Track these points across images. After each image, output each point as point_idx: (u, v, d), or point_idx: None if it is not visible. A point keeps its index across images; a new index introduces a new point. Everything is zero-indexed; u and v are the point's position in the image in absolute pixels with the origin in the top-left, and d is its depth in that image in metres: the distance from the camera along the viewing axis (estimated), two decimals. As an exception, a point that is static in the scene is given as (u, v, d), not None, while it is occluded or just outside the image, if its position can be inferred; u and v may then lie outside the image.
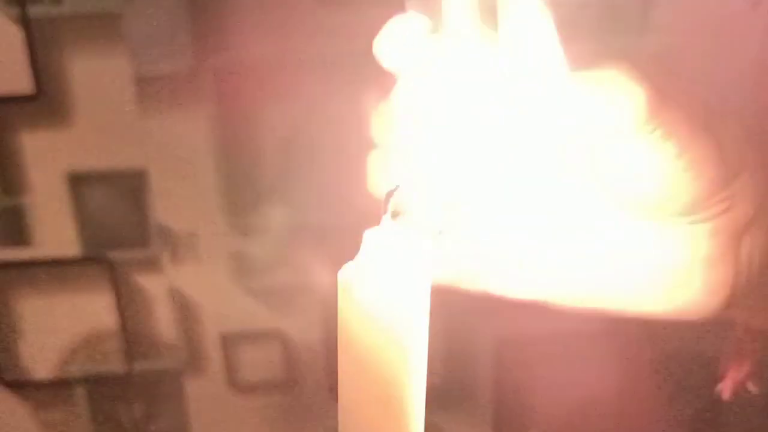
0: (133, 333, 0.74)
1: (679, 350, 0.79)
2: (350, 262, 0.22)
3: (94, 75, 0.66)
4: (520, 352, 0.78)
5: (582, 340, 0.78)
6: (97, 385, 0.76)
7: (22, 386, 0.76)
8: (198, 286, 0.73)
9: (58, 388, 0.76)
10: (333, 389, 0.55)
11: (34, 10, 0.64)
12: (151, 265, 0.72)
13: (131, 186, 0.70)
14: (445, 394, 0.78)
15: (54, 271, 0.72)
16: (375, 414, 0.19)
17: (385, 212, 0.22)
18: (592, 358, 0.79)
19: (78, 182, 0.69)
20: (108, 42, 0.65)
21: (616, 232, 0.39)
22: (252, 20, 0.65)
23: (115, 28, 0.65)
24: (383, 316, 0.18)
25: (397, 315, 0.18)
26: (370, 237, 0.20)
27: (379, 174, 0.37)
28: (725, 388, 0.50)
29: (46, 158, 0.68)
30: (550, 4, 0.33)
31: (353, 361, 0.18)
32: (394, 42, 0.34)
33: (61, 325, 0.74)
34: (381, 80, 0.49)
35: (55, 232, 0.71)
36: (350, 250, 0.64)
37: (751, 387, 0.49)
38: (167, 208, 0.70)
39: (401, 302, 0.18)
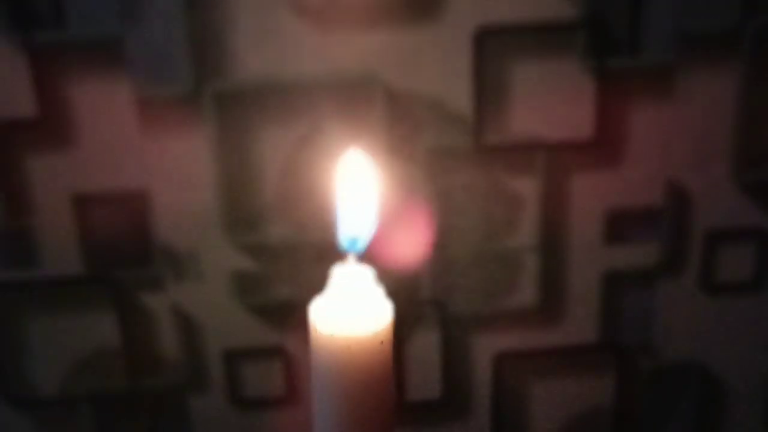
0: (136, 350, 0.75)
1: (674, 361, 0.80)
2: (319, 296, 0.24)
3: (97, 98, 0.68)
4: (518, 366, 0.79)
5: (579, 354, 0.79)
6: (102, 402, 0.77)
7: (28, 404, 0.77)
8: (200, 304, 0.74)
9: (63, 405, 0.77)
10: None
11: (38, 35, 0.66)
12: (154, 283, 0.73)
13: (134, 206, 0.71)
14: (443, 408, 0.79)
15: (58, 290, 0.73)
16: (350, 428, 0.21)
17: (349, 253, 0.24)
18: (590, 371, 0.80)
19: (82, 203, 0.70)
20: (110, 66, 0.67)
21: None
22: (250, 44, 0.66)
23: (117, 53, 0.66)
24: (350, 344, 0.19)
25: (363, 342, 0.19)
26: (337, 273, 0.22)
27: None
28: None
29: (50, 180, 0.70)
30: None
31: (327, 387, 0.19)
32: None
33: (65, 343, 0.75)
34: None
35: (59, 252, 0.72)
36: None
37: None
38: (169, 227, 0.71)
39: (366, 331, 0.19)
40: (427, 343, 0.76)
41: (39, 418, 0.77)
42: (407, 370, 0.77)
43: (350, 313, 0.21)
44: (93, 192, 0.70)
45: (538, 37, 0.67)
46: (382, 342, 0.21)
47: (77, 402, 0.77)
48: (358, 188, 0.25)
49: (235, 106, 0.68)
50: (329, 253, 0.70)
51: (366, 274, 0.22)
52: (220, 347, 0.75)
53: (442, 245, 0.72)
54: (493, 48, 0.68)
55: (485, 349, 0.77)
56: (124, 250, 0.72)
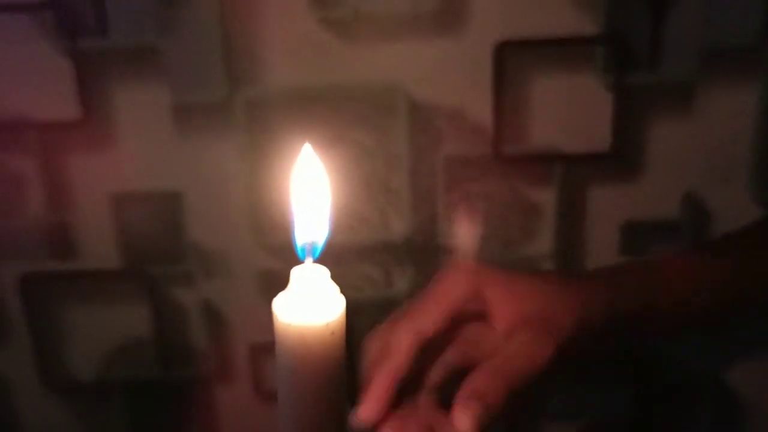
0: (167, 342, 0.79)
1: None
2: (281, 293, 0.27)
3: (136, 103, 0.71)
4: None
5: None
6: (134, 390, 0.81)
7: (66, 390, 0.81)
8: (228, 300, 0.78)
9: (98, 391, 0.81)
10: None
11: (83, 43, 0.70)
12: (185, 279, 0.77)
13: (168, 206, 0.75)
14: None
15: (96, 282, 0.78)
16: (305, 408, 0.24)
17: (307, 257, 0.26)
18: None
19: (120, 202, 0.74)
20: (149, 73, 0.70)
21: None
22: (280, 55, 0.69)
23: (155, 61, 0.70)
24: (303, 333, 0.22)
25: (315, 331, 0.22)
26: (296, 273, 0.25)
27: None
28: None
29: (90, 179, 0.74)
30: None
31: (286, 370, 0.22)
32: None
33: (101, 333, 0.79)
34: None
35: (97, 247, 0.76)
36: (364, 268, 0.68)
37: None
38: (201, 226, 0.75)
39: (318, 321, 0.22)
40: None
41: (76, 403, 0.82)
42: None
43: (307, 306, 0.24)
44: (130, 191, 0.74)
45: (558, 52, 0.69)
46: (332, 332, 0.24)
47: (112, 389, 0.81)
48: (312, 193, 0.28)
49: (265, 113, 0.71)
50: (349, 254, 0.73)
51: (323, 273, 0.25)
52: (246, 341, 0.79)
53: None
54: (514, 61, 0.70)
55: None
56: (158, 247, 0.76)
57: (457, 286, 0.52)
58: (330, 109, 0.71)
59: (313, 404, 0.23)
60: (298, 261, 0.73)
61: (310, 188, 0.28)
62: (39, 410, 0.81)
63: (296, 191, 0.28)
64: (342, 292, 0.35)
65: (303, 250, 0.27)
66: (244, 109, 0.71)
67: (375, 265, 0.74)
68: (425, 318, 0.51)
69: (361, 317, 0.58)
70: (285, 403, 0.25)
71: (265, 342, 0.79)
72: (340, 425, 0.26)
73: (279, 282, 0.75)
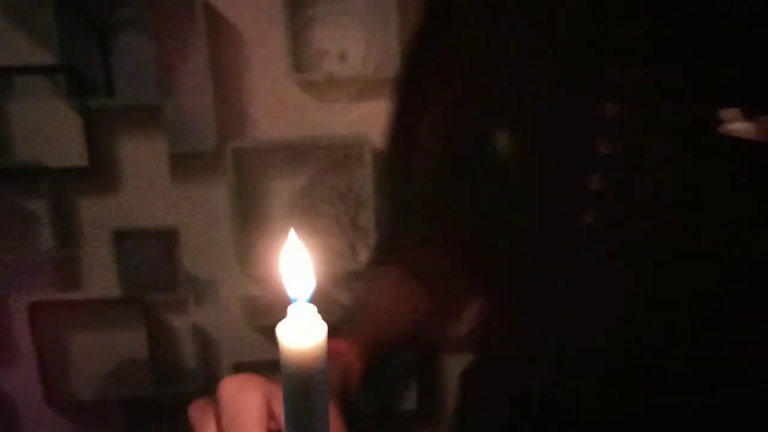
0: (161, 362, 0.89)
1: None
2: (282, 323, 0.36)
3: (138, 153, 0.83)
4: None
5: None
6: (131, 406, 0.91)
7: (68, 407, 0.90)
8: (216, 324, 0.88)
9: (98, 408, 0.91)
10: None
11: (92, 102, 0.81)
12: (178, 306, 0.88)
13: (164, 241, 0.85)
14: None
15: (98, 310, 0.88)
16: (295, 410, 0.34)
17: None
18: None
19: (121, 238, 0.85)
20: (149, 127, 0.82)
21: None
22: (264, 111, 0.81)
23: (155, 117, 0.81)
24: (300, 353, 0.32)
25: (307, 351, 0.32)
26: (292, 310, 0.35)
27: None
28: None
29: (95, 218, 0.85)
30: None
31: (289, 378, 0.32)
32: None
33: (102, 355, 0.89)
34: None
35: (100, 278, 0.86)
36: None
37: None
38: (193, 259, 0.86)
39: (308, 344, 0.32)
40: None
41: (77, 419, 0.91)
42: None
43: (301, 332, 0.33)
44: (131, 229, 0.85)
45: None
46: (320, 350, 0.33)
47: (110, 405, 0.91)
48: (298, 265, 0.36)
49: (251, 160, 0.83)
50: (324, 283, 0.85)
51: (312, 310, 0.34)
52: (232, 361, 0.89)
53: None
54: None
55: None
56: (155, 278, 0.87)
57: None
58: (307, 158, 0.83)
59: (307, 409, 0.32)
60: (279, 289, 0.84)
61: (298, 265, 0.36)
62: (42, 426, 0.90)
63: (286, 267, 0.36)
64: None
65: (296, 299, 0.36)
66: (232, 157, 0.82)
67: (345, 291, 0.85)
68: None
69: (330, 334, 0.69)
70: (287, 408, 0.34)
71: (249, 362, 0.89)
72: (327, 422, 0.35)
73: (261, 308, 0.86)
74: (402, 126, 0.60)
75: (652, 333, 0.49)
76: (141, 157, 0.83)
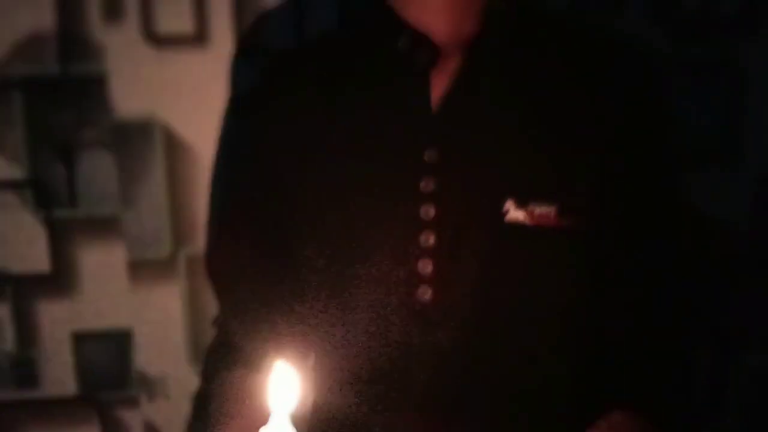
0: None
1: None
2: (263, 428, 0.45)
3: (98, 260, 0.90)
4: None
5: None
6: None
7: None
8: (167, 419, 0.94)
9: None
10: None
11: (56, 212, 0.88)
12: (131, 402, 0.93)
13: (119, 342, 0.91)
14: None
15: (55, 408, 0.92)
16: None
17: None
18: None
19: (79, 339, 0.91)
20: (109, 236, 0.89)
21: None
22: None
23: (115, 227, 0.89)
24: None
25: None
26: (275, 414, 0.45)
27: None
28: None
29: (55, 320, 0.91)
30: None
31: None
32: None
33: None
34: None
35: (58, 377, 0.92)
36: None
37: None
38: (146, 358, 0.92)
39: None
40: None
41: None
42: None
43: None
44: (89, 330, 0.91)
45: None
46: None
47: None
48: (282, 392, 0.46)
49: (202, 266, 0.90)
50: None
51: (286, 423, 0.45)
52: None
53: None
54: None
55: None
56: (110, 376, 0.92)
57: None
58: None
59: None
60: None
61: (284, 391, 0.47)
62: None
63: (273, 392, 0.47)
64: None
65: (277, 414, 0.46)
66: (185, 263, 0.90)
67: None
68: None
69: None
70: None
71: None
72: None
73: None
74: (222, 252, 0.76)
75: (461, 387, 0.67)
76: (100, 263, 0.90)
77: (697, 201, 0.93)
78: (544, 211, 0.65)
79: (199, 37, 0.86)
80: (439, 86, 0.66)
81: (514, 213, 0.64)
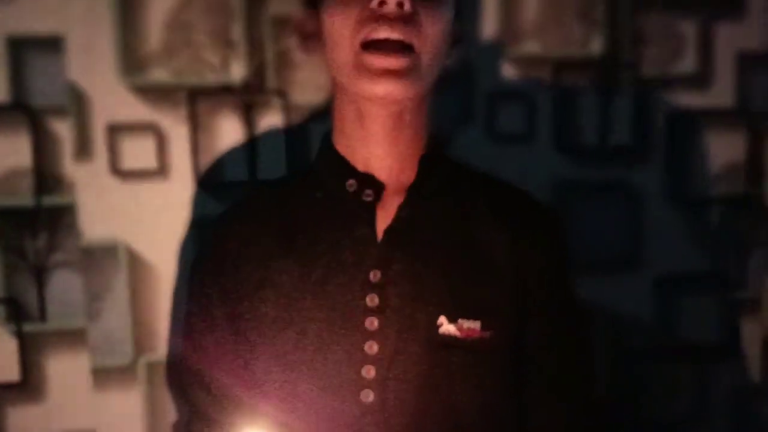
0: None
1: None
2: None
3: (64, 368, 0.98)
4: None
5: None
6: None
7: None
8: None
9: None
10: None
11: (27, 326, 0.97)
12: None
13: (84, 443, 0.99)
14: None
15: None
16: None
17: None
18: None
19: (45, 441, 0.99)
20: (76, 346, 0.98)
21: None
22: (175, 323, 0.99)
23: (81, 338, 0.98)
24: None
25: None
26: None
27: None
28: None
29: (24, 424, 0.98)
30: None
31: None
32: None
33: None
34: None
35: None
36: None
37: None
38: (108, 456, 1.00)
39: None
40: None
41: None
42: None
43: None
44: (55, 432, 0.99)
45: None
46: None
47: None
48: None
49: (161, 374, 0.99)
50: None
51: None
52: None
53: None
54: None
55: None
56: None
57: None
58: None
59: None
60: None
61: None
62: None
63: None
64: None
65: None
66: (145, 370, 0.99)
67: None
68: None
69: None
70: None
71: None
72: None
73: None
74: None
75: None
76: (66, 371, 0.99)
77: (606, 300, 1.07)
78: (471, 325, 0.79)
79: (160, 171, 0.97)
80: (382, 219, 0.81)
81: (447, 326, 0.79)
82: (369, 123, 0.80)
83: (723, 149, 1.12)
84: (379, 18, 0.74)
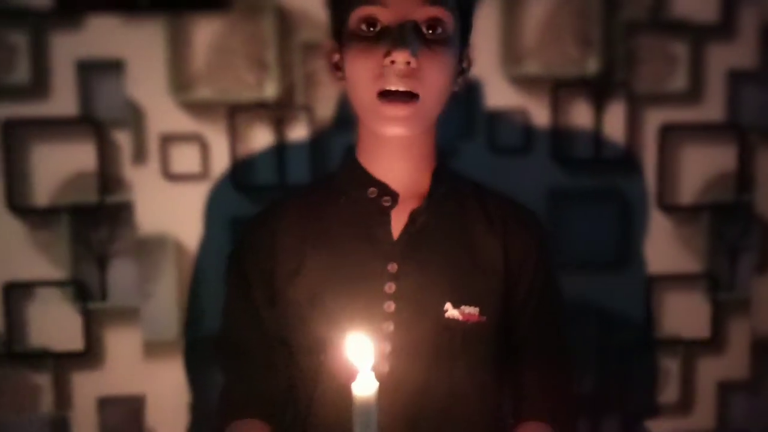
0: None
1: None
2: (355, 383, 0.69)
3: (120, 340, 1.15)
4: None
5: None
6: None
7: None
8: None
9: None
10: None
11: (90, 305, 1.14)
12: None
13: (134, 406, 1.16)
14: None
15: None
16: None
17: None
18: None
19: (103, 403, 1.16)
20: (131, 322, 1.15)
21: None
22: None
23: (135, 314, 1.14)
24: (368, 397, 0.67)
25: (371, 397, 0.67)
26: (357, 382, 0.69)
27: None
28: None
29: (85, 388, 1.15)
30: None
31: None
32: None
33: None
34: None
35: (86, 433, 1.16)
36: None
37: None
38: (157, 419, 1.16)
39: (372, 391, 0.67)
40: None
41: None
42: None
43: (364, 385, 0.67)
44: (110, 396, 1.16)
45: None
46: (375, 393, 0.68)
47: None
48: (362, 353, 0.70)
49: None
50: None
51: (371, 376, 0.69)
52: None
53: None
54: None
55: None
56: (126, 433, 1.17)
57: None
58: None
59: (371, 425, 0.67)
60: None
61: (362, 347, 0.70)
62: None
63: (354, 348, 0.71)
64: None
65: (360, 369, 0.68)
66: (190, 344, 1.15)
67: None
68: None
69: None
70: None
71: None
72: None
73: None
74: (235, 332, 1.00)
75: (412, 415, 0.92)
76: (122, 343, 1.16)
77: (599, 298, 1.18)
78: (471, 310, 0.94)
79: (203, 175, 1.13)
80: (397, 221, 0.95)
81: (452, 311, 0.93)
82: (385, 145, 0.95)
83: (713, 160, 1.19)
84: (391, 72, 0.88)
